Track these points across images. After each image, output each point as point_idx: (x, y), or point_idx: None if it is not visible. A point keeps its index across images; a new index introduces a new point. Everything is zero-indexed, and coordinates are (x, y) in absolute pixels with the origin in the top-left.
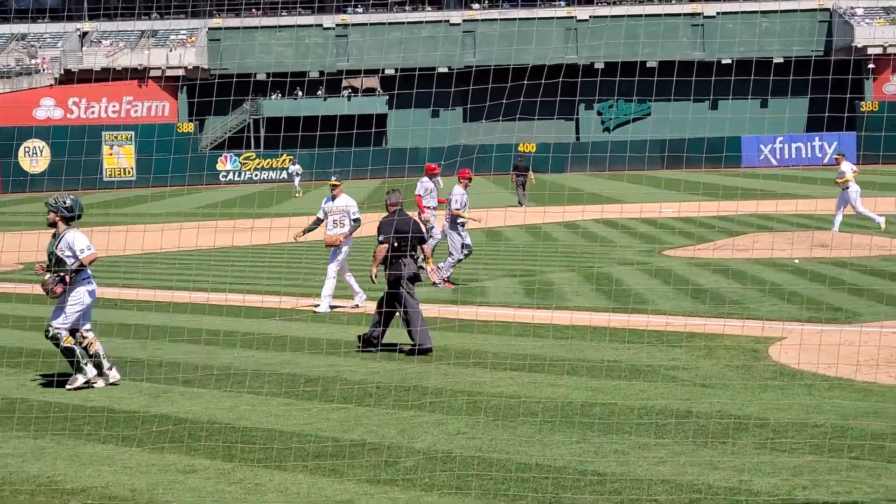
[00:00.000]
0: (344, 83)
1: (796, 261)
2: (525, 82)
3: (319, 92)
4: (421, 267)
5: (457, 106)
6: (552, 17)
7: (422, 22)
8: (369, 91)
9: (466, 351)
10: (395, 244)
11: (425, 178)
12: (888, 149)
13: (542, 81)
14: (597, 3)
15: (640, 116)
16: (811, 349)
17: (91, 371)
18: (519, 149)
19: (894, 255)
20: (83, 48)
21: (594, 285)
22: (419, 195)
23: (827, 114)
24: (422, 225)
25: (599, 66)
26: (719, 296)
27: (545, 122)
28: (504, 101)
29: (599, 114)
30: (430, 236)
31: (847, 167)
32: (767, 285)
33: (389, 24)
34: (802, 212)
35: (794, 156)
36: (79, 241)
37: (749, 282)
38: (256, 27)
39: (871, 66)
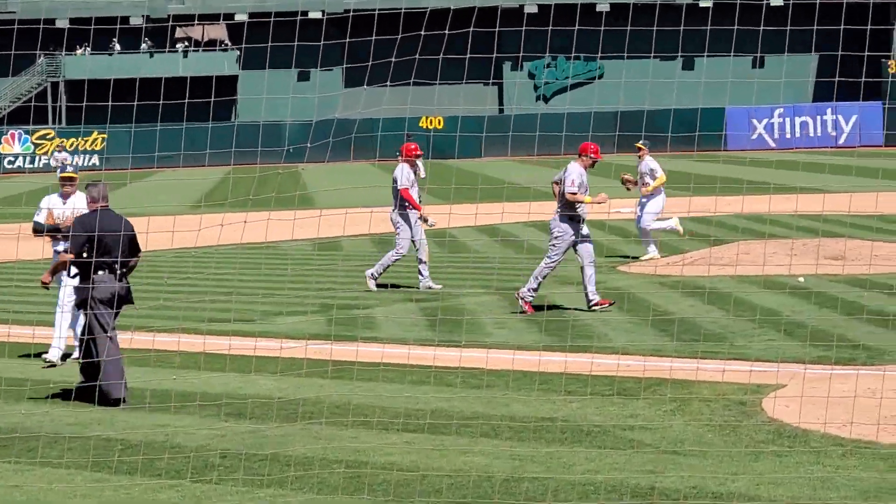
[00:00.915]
0: (178, 33)
1: (801, 279)
2: (423, 33)
3: (144, 45)
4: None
5: (333, 65)
6: None
7: None
8: (212, 44)
9: (345, 405)
10: (86, 252)
11: (404, 165)
12: None
13: (447, 31)
14: None
15: (587, 80)
16: (820, 401)
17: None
18: (420, 124)
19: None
20: None
21: (526, 313)
22: (406, 188)
23: (837, 78)
24: (419, 226)
25: (531, 9)
26: (695, 328)
27: (454, 87)
28: (393, 58)
29: (531, 76)
30: (396, 250)
31: (655, 165)
32: (759, 313)
33: None
34: (807, 211)
35: (798, 134)
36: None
37: (735, 308)
38: None
39: None
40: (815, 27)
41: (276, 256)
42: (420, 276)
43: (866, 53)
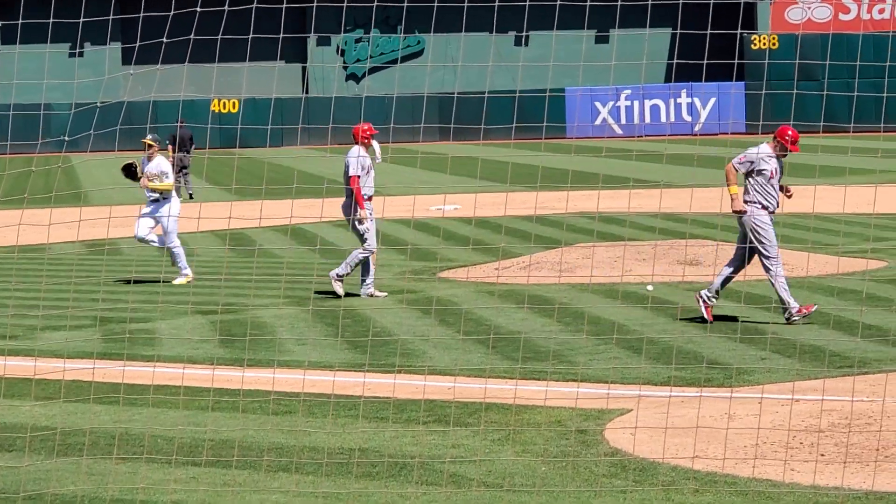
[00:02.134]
0: None
1: (650, 287)
2: (225, 8)
3: None
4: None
5: (112, 41)
6: None
7: None
8: None
9: (121, 435)
10: None
11: (357, 147)
12: (784, 110)
13: (253, 5)
14: None
15: (407, 56)
16: (669, 429)
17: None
18: (212, 108)
19: (796, 277)
20: None
21: (331, 328)
22: (356, 175)
23: (705, 60)
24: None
25: None
26: (529, 343)
27: (252, 67)
28: (165, 38)
29: (341, 52)
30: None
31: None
32: (602, 327)
33: None
34: (664, 209)
35: (648, 119)
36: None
37: (575, 321)
38: None
39: None
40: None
41: (36, 262)
42: (366, 280)
43: (736, 32)
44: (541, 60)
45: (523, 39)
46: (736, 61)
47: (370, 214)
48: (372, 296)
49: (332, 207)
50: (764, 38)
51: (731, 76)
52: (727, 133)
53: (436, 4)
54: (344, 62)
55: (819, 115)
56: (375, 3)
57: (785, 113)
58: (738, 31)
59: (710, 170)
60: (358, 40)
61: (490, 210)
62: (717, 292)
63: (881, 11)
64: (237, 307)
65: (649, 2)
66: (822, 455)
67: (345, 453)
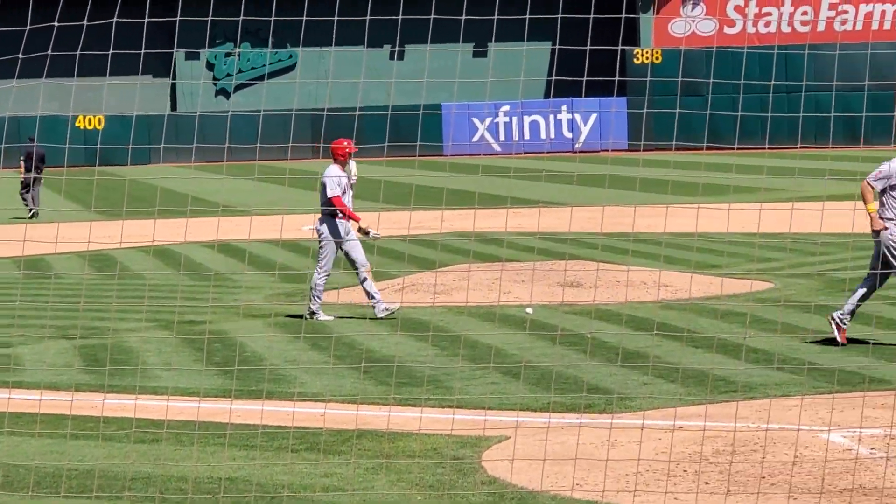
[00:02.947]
0: None
1: (529, 310)
2: (84, 23)
3: None
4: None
5: None
6: None
7: None
8: None
9: None
10: None
11: (334, 166)
12: (667, 127)
13: (114, 20)
14: None
15: (278, 71)
16: (550, 456)
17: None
18: (77, 124)
19: (679, 299)
20: None
21: (198, 352)
22: (337, 195)
23: (584, 77)
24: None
25: None
26: (403, 369)
27: (118, 83)
28: (21, 54)
29: (210, 67)
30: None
31: None
32: (480, 351)
33: None
34: (546, 229)
35: (528, 136)
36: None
37: (452, 345)
38: None
39: None
40: (561, 12)
41: None
42: (372, 300)
43: (622, 46)
44: (416, 75)
45: (398, 54)
46: (617, 77)
47: (352, 235)
48: (388, 310)
49: (198, 227)
50: (647, 53)
51: (612, 92)
52: (608, 150)
53: (304, 18)
54: (214, 77)
55: (703, 131)
56: (242, 17)
57: (668, 129)
58: (620, 45)
59: (591, 188)
60: (227, 55)
61: None
62: (851, 313)
63: (767, 25)
64: (101, 331)
65: (527, 16)
66: (706, 483)
67: (213, 483)
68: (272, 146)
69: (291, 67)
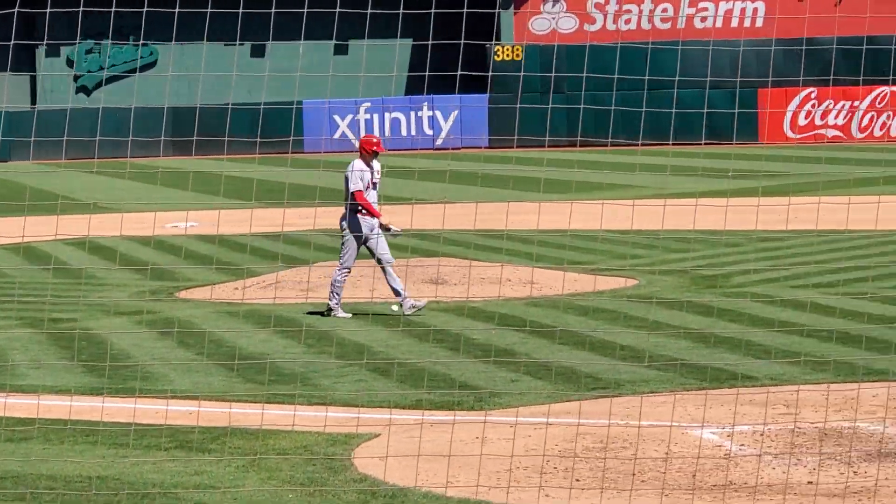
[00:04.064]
0: None
1: (394, 307)
2: None
3: None
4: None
5: None
6: None
7: None
8: None
9: None
10: None
11: (359, 161)
12: (530, 125)
13: None
14: None
15: (141, 67)
16: (424, 454)
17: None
18: None
19: (547, 296)
20: None
21: (66, 351)
22: (359, 190)
23: (459, 70)
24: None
25: None
26: (273, 366)
27: None
28: None
29: (70, 63)
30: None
31: None
32: (347, 348)
33: None
34: (418, 227)
35: (389, 133)
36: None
37: (321, 342)
38: None
39: None
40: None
41: None
42: (399, 296)
43: (483, 42)
44: (279, 72)
45: (260, 51)
46: (479, 73)
47: (373, 230)
48: (415, 307)
49: (69, 224)
50: (508, 50)
51: (474, 89)
52: (470, 147)
53: (176, 11)
54: (75, 73)
55: (565, 128)
56: (100, 12)
57: (530, 126)
58: (482, 41)
59: (460, 185)
60: (89, 51)
61: (230, 227)
62: None
63: (627, 22)
64: None
65: (384, 11)
66: (578, 480)
67: (83, 481)
68: (137, 140)
69: (152, 64)
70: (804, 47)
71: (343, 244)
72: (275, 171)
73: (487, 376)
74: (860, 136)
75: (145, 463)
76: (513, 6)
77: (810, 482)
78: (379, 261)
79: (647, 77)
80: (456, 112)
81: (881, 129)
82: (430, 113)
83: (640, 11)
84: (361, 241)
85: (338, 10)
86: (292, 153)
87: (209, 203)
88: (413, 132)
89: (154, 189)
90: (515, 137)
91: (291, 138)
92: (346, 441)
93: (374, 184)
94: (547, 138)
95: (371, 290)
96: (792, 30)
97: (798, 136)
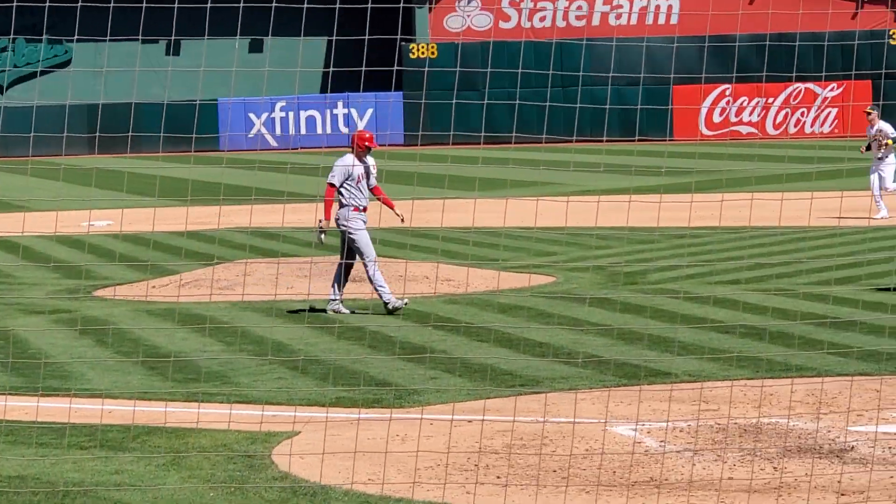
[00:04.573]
0: None
1: (311, 305)
2: None
3: None
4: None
5: None
6: None
7: None
8: None
9: None
10: None
11: (350, 155)
12: (445, 122)
13: None
14: None
15: (54, 66)
16: (342, 451)
17: None
18: None
19: (462, 294)
20: None
21: None
22: (332, 183)
23: (363, 67)
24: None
25: None
26: (190, 364)
27: None
28: None
29: None
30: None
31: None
32: (267, 347)
33: None
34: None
35: (305, 131)
36: None
37: (239, 341)
38: None
39: None
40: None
41: None
42: (331, 299)
43: (398, 39)
44: (193, 69)
45: (174, 49)
46: (394, 70)
47: (363, 224)
48: (337, 312)
49: None
50: (423, 47)
51: (389, 86)
52: (385, 144)
53: (79, 5)
54: None
55: (480, 126)
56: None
57: (445, 123)
58: (397, 38)
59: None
60: (2, 49)
61: (143, 225)
62: None
63: (542, 20)
64: None
65: (297, 5)
66: (498, 477)
67: (2, 481)
68: (50, 137)
69: (67, 62)
70: (717, 44)
71: (354, 242)
72: (189, 169)
73: (405, 374)
74: (775, 132)
75: (65, 462)
76: (427, 4)
77: (730, 478)
78: (342, 250)
79: (560, 73)
80: (371, 110)
81: (795, 126)
82: (346, 111)
83: (555, 9)
84: (363, 228)
85: (241, 6)
86: (207, 151)
87: (123, 201)
88: (328, 130)
89: (70, 187)
90: (420, 133)
91: (195, 135)
92: (266, 439)
93: (368, 178)
94: (452, 133)
95: (286, 287)
96: (706, 27)
97: (713, 133)
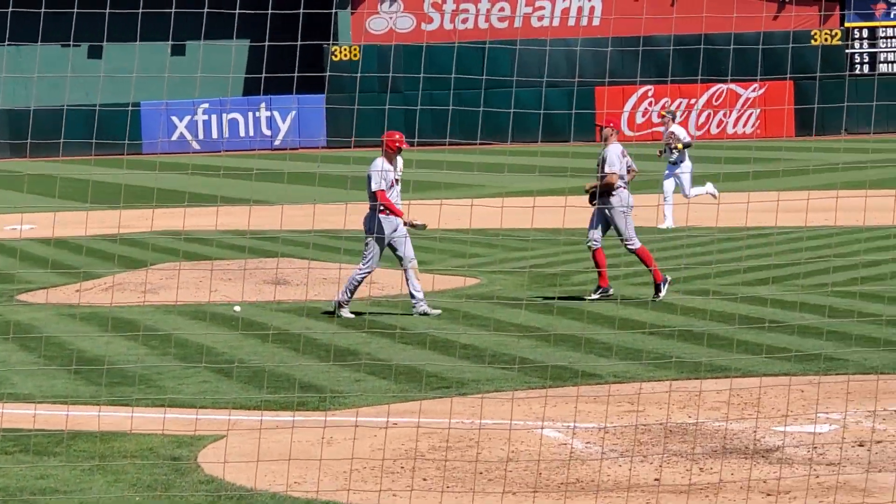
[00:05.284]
0: None
1: (237, 308)
2: None
3: None
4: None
5: None
6: None
7: None
8: None
9: None
10: None
11: (381, 160)
12: (368, 125)
13: None
14: None
15: None
16: (268, 454)
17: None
18: None
19: (389, 296)
20: None
21: None
22: (381, 189)
23: (297, 72)
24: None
25: None
26: (115, 368)
27: None
28: None
29: None
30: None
31: None
32: (191, 350)
33: None
34: (256, 228)
35: (228, 134)
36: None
37: (163, 344)
38: None
39: None
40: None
41: None
42: (413, 299)
43: (321, 42)
44: (116, 73)
45: (97, 52)
46: (315, 74)
47: (401, 230)
48: (425, 314)
49: None
50: (345, 50)
51: (311, 89)
52: (308, 147)
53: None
54: None
55: (403, 128)
56: None
57: (368, 126)
58: (319, 42)
59: (299, 186)
60: None
61: (68, 230)
62: None
63: (464, 21)
64: None
65: (219, 10)
66: (424, 480)
67: None
68: None
69: None
70: (640, 48)
71: (366, 245)
72: (112, 173)
73: (330, 376)
74: (697, 133)
75: None
76: (350, 6)
77: (656, 479)
78: (401, 261)
79: (483, 77)
80: (294, 112)
81: (718, 127)
82: (268, 113)
83: (478, 11)
84: (384, 242)
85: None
86: (130, 155)
87: (46, 205)
88: (251, 133)
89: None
90: (353, 139)
91: (126, 141)
92: (191, 443)
93: (397, 181)
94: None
95: (212, 291)
96: (628, 29)
97: (636, 135)
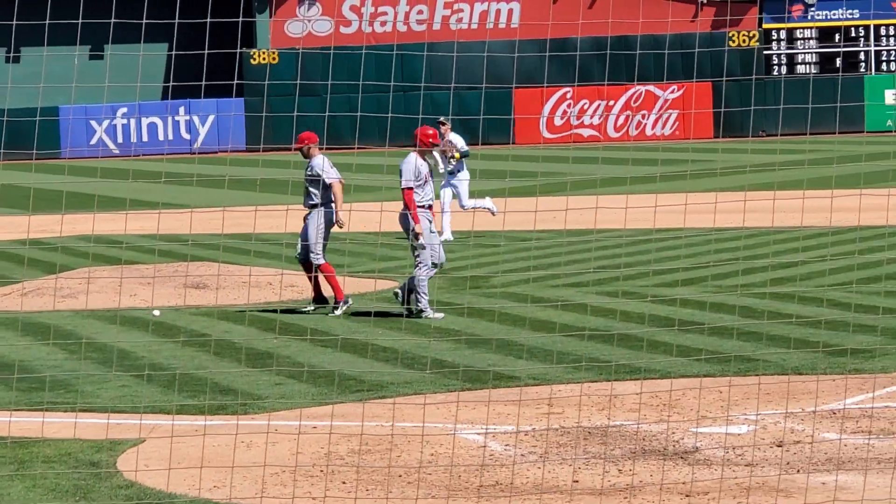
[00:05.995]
0: None
1: (156, 312)
2: None
3: None
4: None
5: None
6: None
7: None
8: None
9: None
10: None
11: (414, 155)
12: (287, 128)
13: None
14: None
15: None
16: (188, 459)
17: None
18: None
19: (307, 299)
20: None
21: None
22: (409, 187)
23: (204, 79)
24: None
25: None
26: (32, 374)
27: None
28: None
29: None
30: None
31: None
32: (111, 354)
33: None
34: (167, 231)
35: (147, 138)
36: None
37: (80, 348)
38: None
39: None
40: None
41: None
42: (399, 296)
43: (239, 48)
44: (34, 78)
45: (14, 57)
46: (234, 80)
47: (430, 225)
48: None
49: None
50: (264, 54)
51: (230, 93)
52: (227, 151)
53: None
54: None
55: (321, 132)
56: None
57: (286, 129)
58: (237, 47)
59: (211, 189)
60: None
61: None
62: None
63: (383, 24)
64: None
65: (134, 21)
66: (343, 483)
67: None
68: None
69: None
70: (557, 52)
71: (417, 239)
72: (26, 178)
73: (249, 380)
74: (616, 135)
75: None
76: (269, 11)
77: (575, 481)
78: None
79: (400, 83)
80: (213, 116)
81: (637, 129)
82: (187, 117)
83: (396, 14)
84: (430, 230)
85: (79, 19)
86: (49, 159)
87: None
88: (170, 137)
89: None
90: (261, 144)
91: (35, 150)
92: (110, 447)
93: (429, 178)
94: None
95: (129, 295)
96: (547, 31)
97: (554, 137)
